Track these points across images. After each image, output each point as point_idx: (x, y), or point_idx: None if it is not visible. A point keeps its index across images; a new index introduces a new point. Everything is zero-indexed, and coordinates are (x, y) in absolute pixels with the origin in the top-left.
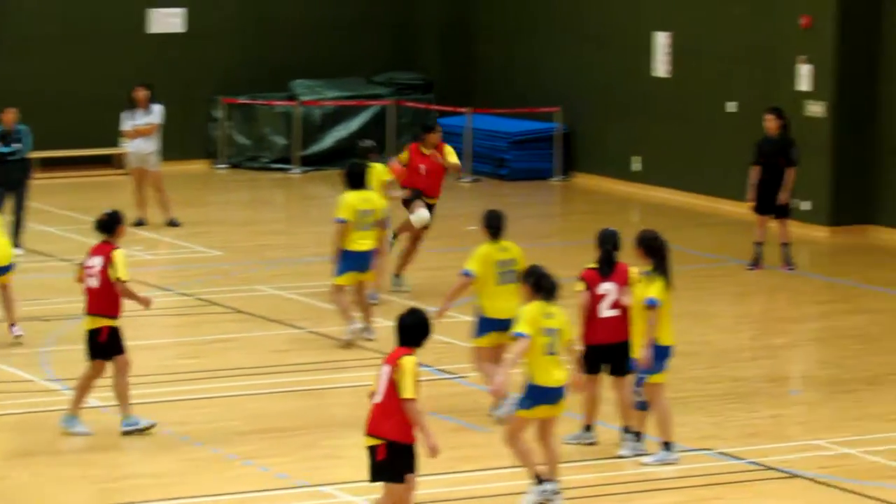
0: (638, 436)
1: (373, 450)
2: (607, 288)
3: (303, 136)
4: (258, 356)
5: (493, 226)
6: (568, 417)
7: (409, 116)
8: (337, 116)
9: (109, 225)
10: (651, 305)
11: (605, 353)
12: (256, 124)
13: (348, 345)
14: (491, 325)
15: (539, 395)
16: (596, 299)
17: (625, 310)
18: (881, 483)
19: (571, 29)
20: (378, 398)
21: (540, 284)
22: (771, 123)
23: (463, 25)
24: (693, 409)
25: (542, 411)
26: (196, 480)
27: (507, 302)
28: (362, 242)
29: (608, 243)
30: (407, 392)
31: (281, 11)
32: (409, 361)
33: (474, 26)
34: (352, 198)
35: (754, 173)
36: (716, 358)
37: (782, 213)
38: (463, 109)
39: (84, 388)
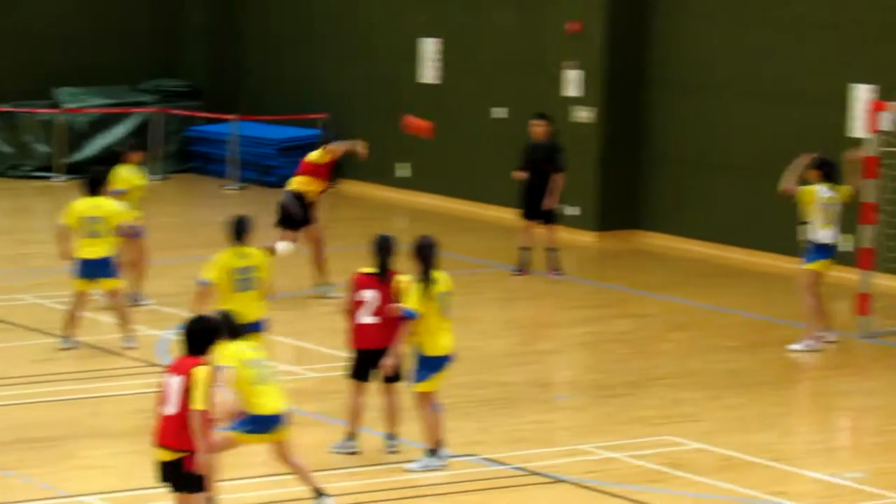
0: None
1: (176, 462)
2: (369, 295)
3: (68, 145)
4: (18, 366)
5: (235, 230)
6: (335, 426)
7: (175, 124)
8: (102, 124)
9: None
10: (408, 316)
11: (371, 359)
12: (18, 132)
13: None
14: None
15: (259, 424)
16: (356, 305)
17: (387, 317)
18: (645, 487)
19: (338, 36)
20: (171, 410)
21: (231, 328)
22: (538, 129)
23: (230, 32)
24: (459, 414)
25: (262, 439)
26: None
27: (245, 308)
28: (90, 250)
29: (383, 250)
30: (198, 403)
31: (44, 18)
32: (202, 371)
33: (241, 33)
34: (79, 205)
35: (521, 178)
36: (482, 363)
37: (549, 218)
38: (230, 116)
39: None
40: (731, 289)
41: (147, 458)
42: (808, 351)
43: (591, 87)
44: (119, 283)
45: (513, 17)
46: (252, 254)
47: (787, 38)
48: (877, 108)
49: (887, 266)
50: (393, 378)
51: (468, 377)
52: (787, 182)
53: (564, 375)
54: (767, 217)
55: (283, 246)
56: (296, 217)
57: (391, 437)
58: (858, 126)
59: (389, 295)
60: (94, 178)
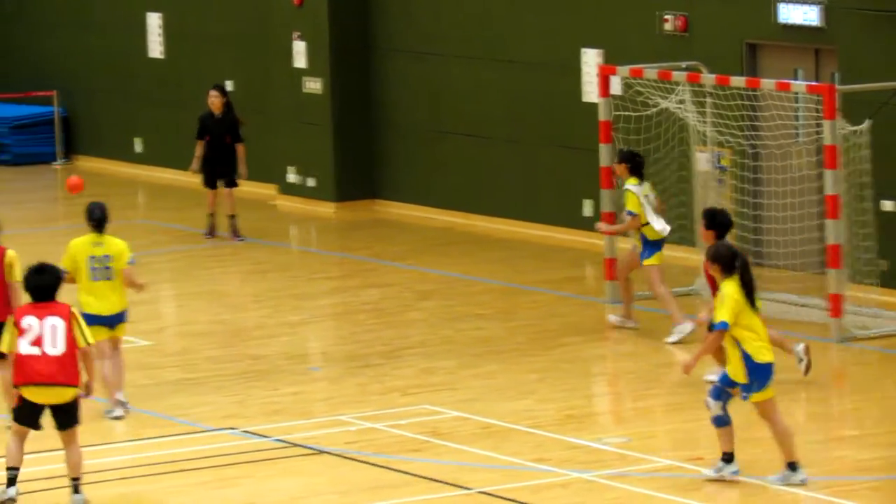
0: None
1: (73, 400)
2: None
3: None
4: None
5: (93, 217)
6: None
7: None
8: None
9: None
10: (720, 328)
11: None
12: None
13: None
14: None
15: None
16: None
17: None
18: (406, 457)
19: (66, 11)
20: (57, 350)
21: None
22: (216, 100)
23: None
24: (212, 388)
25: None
26: None
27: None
28: None
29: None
30: (90, 339)
31: None
32: (78, 312)
33: None
34: None
35: (200, 148)
36: (232, 337)
37: (229, 184)
38: None
39: None
40: (475, 256)
41: None
42: (681, 340)
43: (318, 58)
44: None
45: None
46: (108, 242)
47: (510, 3)
48: (606, 72)
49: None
50: None
51: (220, 350)
52: (625, 225)
53: (317, 347)
54: (505, 183)
55: None
56: None
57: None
58: (590, 91)
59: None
60: None
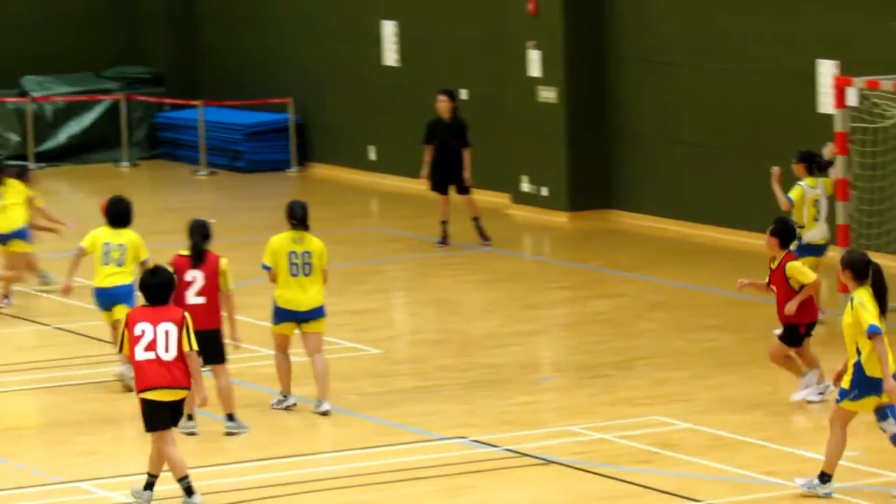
0: None
1: (180, 401)
2: (194, 275)
3: (36, 133)
4: (5, 353)
5: (295, 216)
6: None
7: (141, 110)
8: (69, 112)
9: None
10: (874, 332)
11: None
12: None
13: None
14: (284, 316)
15: None
16: (184, 286)
17: (211, 297)
18: (634, 468)
19: (300, 19)
20: (169, 355)
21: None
22: (444, 105)
23: (191, 17)
24: (445, 397)
25: None
26: None
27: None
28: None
29: (197, 233)
30: (195, 344)
31: (6, 7)
32: (188, 317)
33: (202, 18)
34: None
35: (428, 153)
36: (464, 346)
37: (463, 190)
38: (195, 102)
39: None
40: (706, 267)
41: (139, 444)
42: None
43: (553, 67)
44: None
45: None
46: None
47: (747, 12)
48: (842, 83)
49: (862, 242)
50: (217, 359)
51: (453, 360)
52: (781, 197)
53: (548, 356)
54: (737, 193)
55: None
56: None
57: (230, 418)
58: (825, 102)
59: (211, 276)
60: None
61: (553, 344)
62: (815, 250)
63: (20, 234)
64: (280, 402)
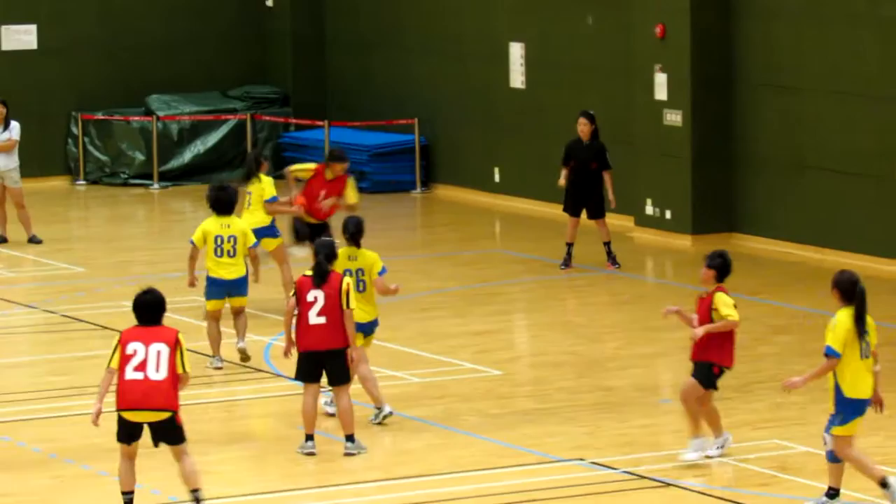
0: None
1: (171, 419)
2: (316, 295)
3: (161, 152)
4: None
5: (347, 231)
6: (439, 429)
7: (266, 130)
8: (194, 131)
9: None
10: (829, 355)
11: (317, 360)
12: (114, 140)
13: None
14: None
15: None
16: (306, 307)
17: (333, 317)
18: (755, 491)
19: (426, 40)
20: (159, 375)
21: None
22: (584, 128)
23: (317, 37)
24: (564, 419)
25: None
26: (66, 498)
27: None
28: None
29: (321, 253)
30: (188, 366)
31: (134, 26)
32: (182, 339)
33: (328, 38)
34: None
35: (564, 174)
36: (585, 368)
37: (598, 213)
38: (320, 123)
39: None
40: (830, 291)
41: (256, 463)
42: None
43: (679, 90)
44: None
45: (599, 19)
46: (362, 256)
47: (874, 38)
48: None
49: None
50: (342, 380)
51: (573, 381)
52: None
53: (669, 379)
54: (862, 218)
55: (297, 251)
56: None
57: (349, 439)
58: None
59: (334, 296)
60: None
61: (674, 366)
62: None
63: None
64: (376, 415)
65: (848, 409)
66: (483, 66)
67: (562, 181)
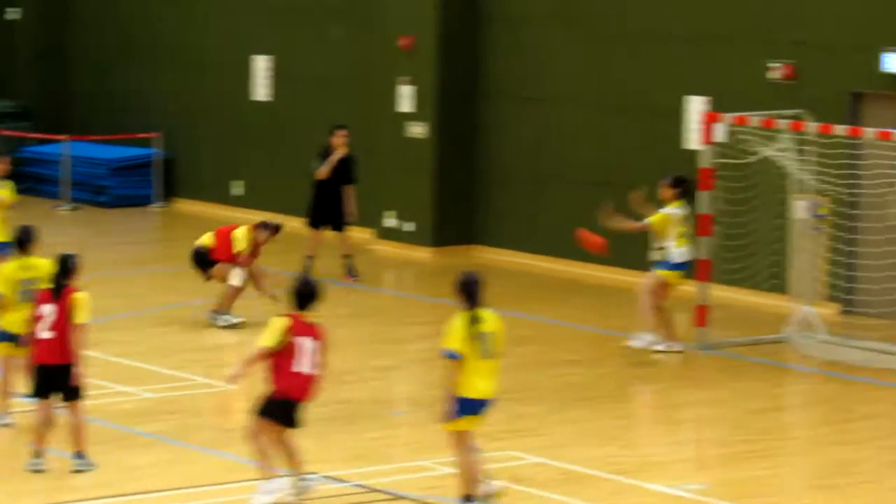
0: None
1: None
2: (47, 310)
3: None
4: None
5: (19, 242)
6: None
7: (3, 144)
8: None
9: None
10: (449, 357)
11: (48, 374)
12: None
13: None
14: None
15: None
16: (36, 319)
17: (62, 332)
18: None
19: (169, 53)
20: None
21: None
22: (340, 140)
23: (58, 52)
24: (297, 432)
25: None
26: None
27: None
28: None
29: (58, 266)
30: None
31: None
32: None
33: (70, 53)
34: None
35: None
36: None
37: (340, 226)
38: (60, 137)
39: None
40: (570, 302)
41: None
42: (647, 348)
43: (424, 102)
44: None
45: (344, 32)
46: (37, 265)
47: (622, 50)
48: (710, 119)
49: (724, 277)
50: (73, 395)
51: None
52: (622, 223)
53: (404, 391)
54: (603, 229)
55: (235, 274)
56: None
57: (78, 455)
58: (693, 138)
59: (65, 310)
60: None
61: (409, 379)
62: (681, 266)
63: None
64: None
65: (462, 406)
66: (227, 79)
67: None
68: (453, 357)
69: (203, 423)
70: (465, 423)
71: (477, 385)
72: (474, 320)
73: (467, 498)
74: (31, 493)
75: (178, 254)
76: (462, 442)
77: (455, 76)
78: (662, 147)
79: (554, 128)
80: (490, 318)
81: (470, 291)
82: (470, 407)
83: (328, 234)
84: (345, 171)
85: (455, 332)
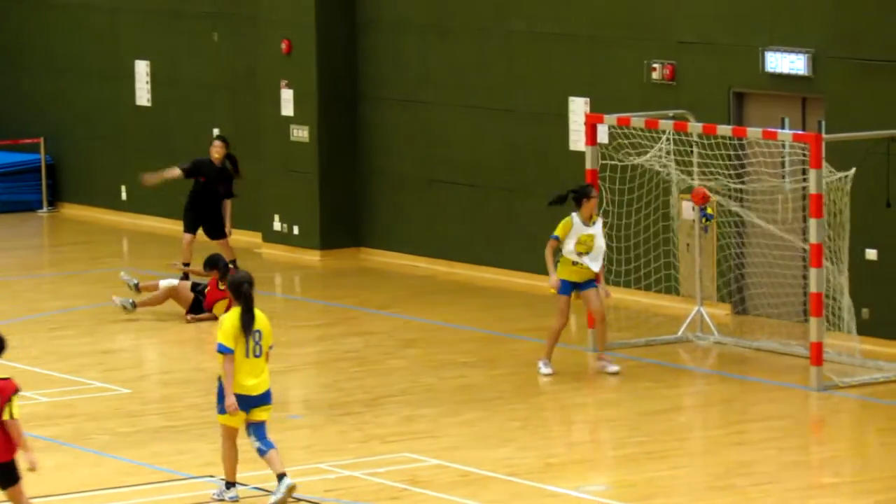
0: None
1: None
2: None
3: None
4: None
5: None
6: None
7: None
8: None
9: None
10: (220, 351)
11: None
12: None
13: None
14: None
15: None
16: None
17: None
18: None
19: (50, 58)
20: None
21: None
22: (218, 150)
23: None
24: (194, 436)
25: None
26: None
27: None
28: None
29: None
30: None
31: None
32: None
33: None
34: None
35: (175, 175)
36: (213, 385)
37: (218, 235)
38: None
39: None
40: (459, 305)
41: None
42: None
43: (306, 106)
44: None
45: (225, 36)
46: None
47: (501, 52)
48: (592, 120)
49: (613, 279)
50: None
51: (202, 398)
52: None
53: (298, 394)
54: (489, 232)
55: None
56: None
57: None
58: (577, 140)
59: None
60: None
61: (303, 382)
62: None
63: None
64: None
65: (221, 399)
66: (109, 84)
67: (158, 177)
68: (224, 351)
69: (100, 426)
70: (229, 418)
71: (243, 382)
72: (245, 318)
73: (229, 484)
74: None
75: (66, 258)
76: (228, 435)
77: (335, 80)
78: (547, 149)
79: (437, 131)
80: (260, 318)
81: (240, 291)
82: (238, 402)
83: (211, 243)
84: (224, 183)
85: (226, 328)
